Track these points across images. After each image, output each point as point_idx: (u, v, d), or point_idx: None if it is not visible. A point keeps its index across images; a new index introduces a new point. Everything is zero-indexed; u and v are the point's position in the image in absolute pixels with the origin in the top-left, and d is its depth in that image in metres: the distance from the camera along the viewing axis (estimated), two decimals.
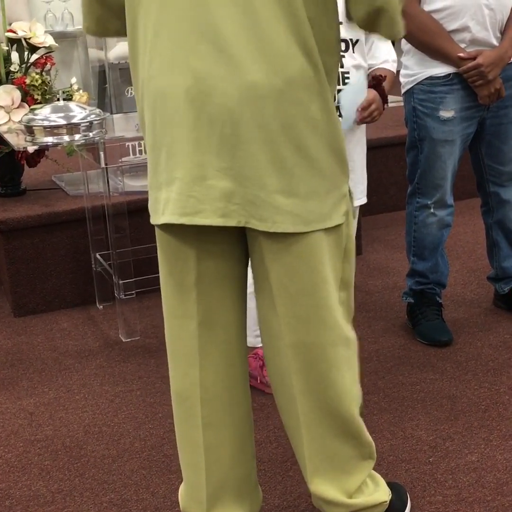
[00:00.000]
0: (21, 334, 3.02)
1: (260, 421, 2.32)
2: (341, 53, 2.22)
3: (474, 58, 2.46)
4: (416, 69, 2.58)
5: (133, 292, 2.88)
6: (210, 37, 1.39)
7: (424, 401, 2.36)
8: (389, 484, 1.82)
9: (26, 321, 3.13)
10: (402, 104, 2.70)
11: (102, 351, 2.83)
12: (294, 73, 1.41)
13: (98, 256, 3.14)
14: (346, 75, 2.24)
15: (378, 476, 1.78)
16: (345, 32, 2.22)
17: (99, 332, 3.00)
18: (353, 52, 2.26)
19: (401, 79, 2.65)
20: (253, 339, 2.48)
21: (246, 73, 1.39)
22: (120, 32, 1.57)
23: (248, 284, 2.48)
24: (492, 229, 2.83)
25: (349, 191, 1.59)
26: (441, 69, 2.53)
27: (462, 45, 2.49)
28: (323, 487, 1.68)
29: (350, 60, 2.25)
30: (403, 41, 2.56)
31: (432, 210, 2.67)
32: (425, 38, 2.49)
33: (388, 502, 1.75)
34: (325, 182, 1.49)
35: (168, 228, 1.54)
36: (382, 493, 1.75)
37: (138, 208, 3.23)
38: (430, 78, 2.55)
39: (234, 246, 1.57)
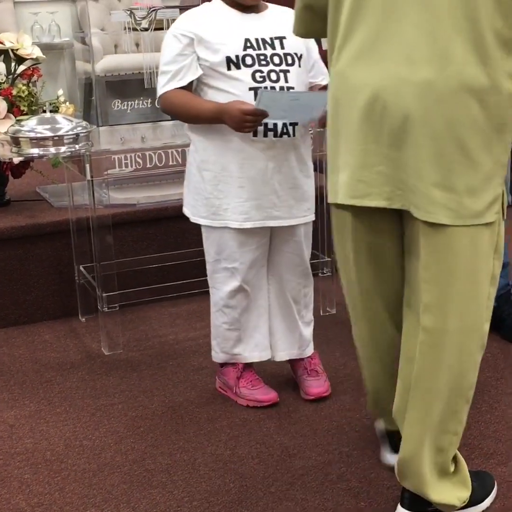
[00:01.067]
0: (2, 346, 3.00)
1: (241, 437, 2.31)
2: (287, 67, 2.23)
3: None
4: None
5: (116, 305, 2.87)
6: (394, 39, 1.59)
7: None
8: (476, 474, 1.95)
9: (8, 333, 3.11)
10: None
11: (84, 364, 2.82)
12: (466, 80, 1.56)
13: (81, 269, 3.14)
14: (291, 91, 2.22)
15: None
16: (290, 46, 2.25)
17: (81, 345, 2.98)
18: (299, 66, 2.26)
19: None
20: (222, 354, 2.49)
21: (421, 75, 1.57)
22: (323, 33, 1.79)
23: (213, 302, 2.48)
24: None
25: (503, 192, 1.70)
26: None
27: None
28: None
29: (295, 75, 2.24)
30: None
31: None
32: None
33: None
34: (482, 181, 1.63)
35: (340, 206, 1.76)
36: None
37: (123, 220, 3.24)
38: None
39: (391, 227, 1.75)
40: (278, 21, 2.28)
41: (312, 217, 2.42)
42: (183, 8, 3.31)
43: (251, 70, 2.20)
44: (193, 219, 2.40)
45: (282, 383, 2.56)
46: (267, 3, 2.33)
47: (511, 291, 2.88)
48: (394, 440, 2.04)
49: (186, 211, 2.43)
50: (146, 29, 3.41)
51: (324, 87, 2.31)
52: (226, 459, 2.21)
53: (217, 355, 2.51)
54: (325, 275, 3.17)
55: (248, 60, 2.20)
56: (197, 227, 2.41)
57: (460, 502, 1.85)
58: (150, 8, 3.34)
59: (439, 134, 1.58)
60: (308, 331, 2.52)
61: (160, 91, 2.27)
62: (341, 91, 1.70)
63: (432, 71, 1.57)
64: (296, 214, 2.36)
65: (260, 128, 2.19)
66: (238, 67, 2.19)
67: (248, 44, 2.21)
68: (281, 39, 2.25)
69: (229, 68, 2.20)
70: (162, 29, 3.34)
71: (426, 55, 1.57)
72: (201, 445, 2.27)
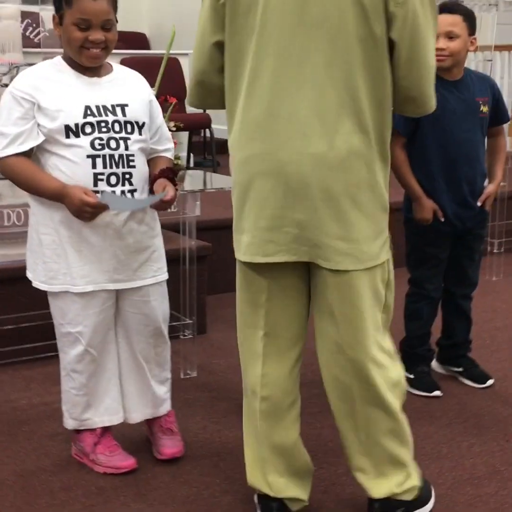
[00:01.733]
0: None
1: (97, 506, 2.23)
2: (127, 135, 2.24)
3: None
4: None
5: None
6: (287, 117, 1.84)
7: None
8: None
9: None
10: None
11: None
12: (353, 148, 1.85)
13: None
14: (130, 158, 2.24)
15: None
16: (131, 113, 2.26)
17: None
18: (140, 134, 2.28)
19: None
20: (72, 420, 2.41)
21: (313, 147, 1.84)
22: (216, 106, 2.04)
23: (62, 367, 2.39)
24: None
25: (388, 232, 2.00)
26: None
27: None
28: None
29: (135, 142, 2.26)
30: None
31: None
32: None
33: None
34: (375, 228, 1.93)
35: (247, 262, 1.98)
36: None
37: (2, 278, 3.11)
38: None
39: (298, 279, 1.99)
40: (121, 87, 2.28)
41: (162, 277, 2.40)
42: None
43: (90, 137, 2.18)
44: (34, 283, 2.33)
45: (141, 448, 2.50)
46: (114, 65, 2.32)
47: None
48: (269, 505, 2.09)
49: (29, 274, 2.35)
50: (6, 86, 3.35)
51: (167, 170, 2.30)
52: None
53: (68, 422, 2.42)
54: (186, 337, 3.15)
55: (88, 128, 2.18)
56: None
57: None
58: (11, 64, 3.29)
59: (335, 196, 1.86)
60: (162, 390, 2.47)
61: None
62: (242, 163, 1.92)
63: (324, 143, 1.83)
64: (141, 276, 2.33)
65: (98, 196, 2.17)
66: (77, 135, 2.17)
67: (88, 112, 2.19)
68: (122, 106, 2.25)
69: (68, 136, 2.17)
70: None
71: (318, 131, 1.83)
72: None
